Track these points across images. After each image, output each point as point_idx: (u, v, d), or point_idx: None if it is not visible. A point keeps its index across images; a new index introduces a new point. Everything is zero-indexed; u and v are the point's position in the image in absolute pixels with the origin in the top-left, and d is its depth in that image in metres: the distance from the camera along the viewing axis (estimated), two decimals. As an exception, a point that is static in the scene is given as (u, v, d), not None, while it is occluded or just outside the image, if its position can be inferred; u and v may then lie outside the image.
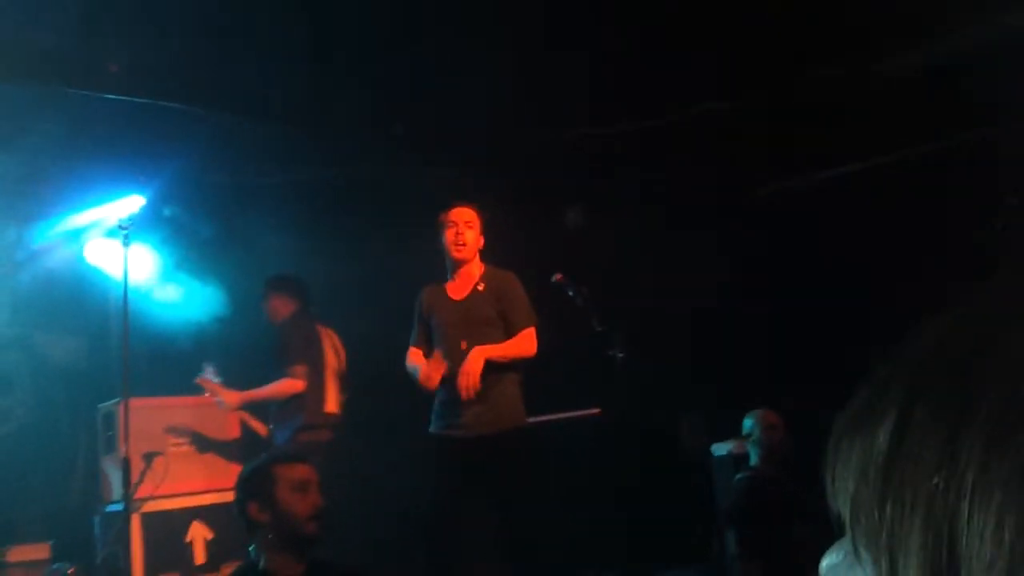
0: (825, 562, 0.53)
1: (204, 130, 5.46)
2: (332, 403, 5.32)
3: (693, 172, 6.16)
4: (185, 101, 5.13)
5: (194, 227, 6.45)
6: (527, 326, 4.36)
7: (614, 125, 5.81)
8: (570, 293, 4.59)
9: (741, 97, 5.53)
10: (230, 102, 5.29)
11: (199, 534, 5.45)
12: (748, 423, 4.64)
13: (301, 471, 2.87)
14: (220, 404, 5.20)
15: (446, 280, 4.50)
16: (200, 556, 5.43)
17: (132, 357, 4.80)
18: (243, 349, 6.19)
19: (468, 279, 4.43)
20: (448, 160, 6.05)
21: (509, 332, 4.34)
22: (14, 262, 6.42)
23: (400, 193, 6.25)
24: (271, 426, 5.26)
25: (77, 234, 6.58)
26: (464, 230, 4.35)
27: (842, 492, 0.51)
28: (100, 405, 5.76)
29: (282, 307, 5.35)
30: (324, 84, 5.13)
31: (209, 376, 5.17)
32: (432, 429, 4.40)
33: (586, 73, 5.25)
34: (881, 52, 5.24)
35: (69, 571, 5.41)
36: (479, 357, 4.15)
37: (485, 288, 4.40)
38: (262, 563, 2.79)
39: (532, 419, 5.87)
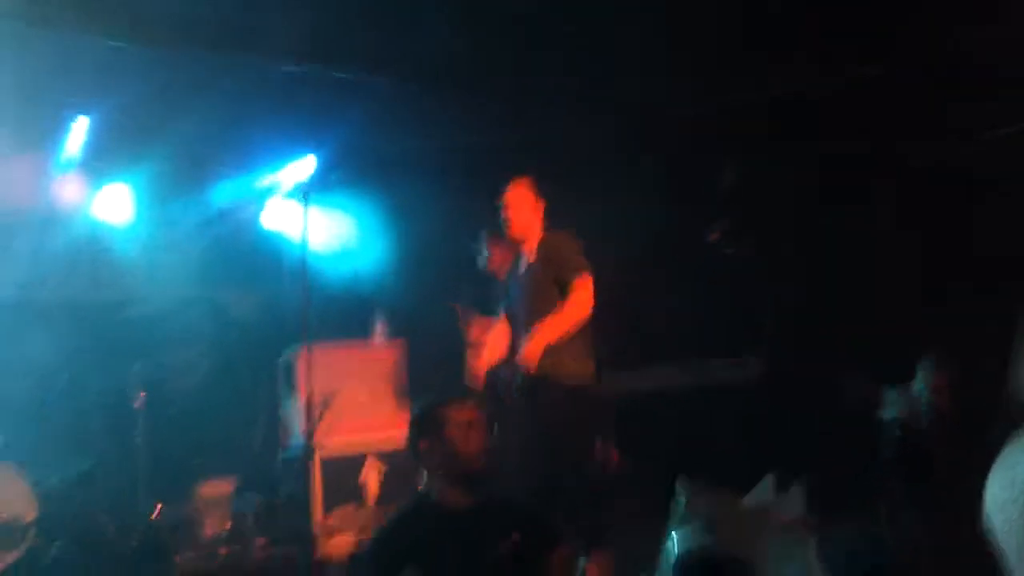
0: None
1: (372, 95, 5.70)
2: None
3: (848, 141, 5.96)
4: (353, 68, 5.36)
5: (363, 189, 6.77)
6: (576, 278, 4.28)
7: (775, 88, 5.69)
8: (727, 250, 4.58)
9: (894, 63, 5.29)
10: (395, 68, 5.49)
11: (372, 474, 5.81)
12: (919, 385, 4.54)
13: (468, 412, 3.04)
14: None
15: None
16: (373, 495, 5.79)
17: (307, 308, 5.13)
18: (409, 298, 6.50)
19: (527, 254, 4.51)
20: (603, 119, 6.09)
21: (563, 293, 4.33)
22: (197, 224, 6.93)
23: (560, 153, 6.37)
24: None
25: (254, 197, 7.05)
26: (510, 213, 4.47)
27: None
28: (282, 354, 6.18)
29: (502, 258, 5.51)
30: (488, 47, 5.24)
31: (464, 307, 5.50)
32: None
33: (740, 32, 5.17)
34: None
35: (255, 503, 5.90)
36: (535, 350, 4.21)
37: (536, 259, 4.45)
38: (433, 497, 3.00)
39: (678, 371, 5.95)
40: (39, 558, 5.08)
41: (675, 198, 5.98)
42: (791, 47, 5.24)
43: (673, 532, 3.91)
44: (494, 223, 5.54)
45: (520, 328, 4.37)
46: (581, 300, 4.26)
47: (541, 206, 4.47)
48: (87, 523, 5.35)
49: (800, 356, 4.90)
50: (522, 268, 4.49)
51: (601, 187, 6.24)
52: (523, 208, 4.43)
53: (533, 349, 4.20)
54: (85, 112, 5.73)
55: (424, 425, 3.04)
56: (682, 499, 4.06)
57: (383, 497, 5.79)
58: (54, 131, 5.85)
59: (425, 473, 3.05)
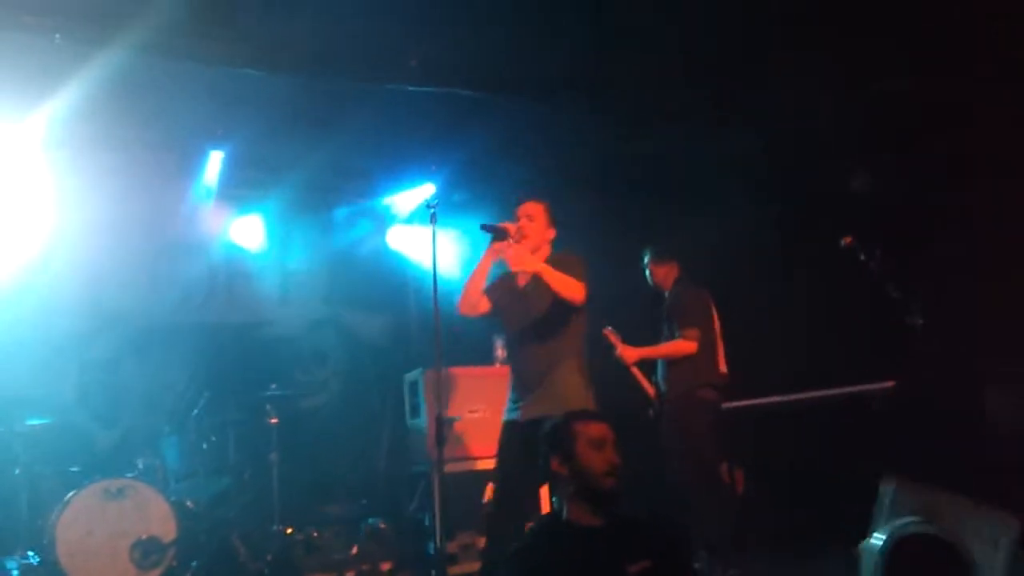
0: None
1: (490, 115, 5.76)
2: (723, 364, 5.47)
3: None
4: (472, 88, 5.43)
5: (483, 207, 6.82)
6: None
7: (909, 81, 5.47)
8: (862, 257, 4.41)
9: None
10: (517, 86, 5.53)
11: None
12: None
13: (598, 429, 2.99)
14: (619, 358, 5.45)
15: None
16: (496, 517, 5.77)
17: (432, 331, 5.18)
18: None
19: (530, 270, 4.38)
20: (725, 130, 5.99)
21: (562, 312, 4.29)
22: (326, 249, 7.13)
23: (688, 164, 6.28)
24: (662, 386, 5.48)
25: (380, 221, 7.22)
26: (525, 224, 4.41)
27: None
28: (406, 374, 6.26)
29: (668, 273, 5.58)
30: (610, 61, 5.22)
31: (613, 331, 5.48)
32: (504, 419, 4.44)
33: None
34: None
35: (380, 525, 5.96)
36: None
37: (543, 276, 4.31)
38: (564, 514, 2.95)
39: (816, 393, 5.71)
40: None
41: (806, 207, 5.80)
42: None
43: (881, 527, 3.85)
44: (662, 245, 5.57)
45: (516, 337, 4.40)
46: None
47: (552, 225, 4.50)
48: (222, 543, 5.50)
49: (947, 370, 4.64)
50: (523, 282, 4.45)
51: (728, 199, 6.12)
52: (539, 224, 4.44)
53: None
54: (222, 143, 6.00)
55: (554, 442, 3.01)
56: (887, 495, 3.98)
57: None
58: (193, 162, 6.15)
59: (557, 489, 3.00)
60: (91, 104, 4.81)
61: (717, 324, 5.57)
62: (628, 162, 6.43)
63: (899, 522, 3.86)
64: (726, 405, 5.32)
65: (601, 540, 2.88)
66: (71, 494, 5.11)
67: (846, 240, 4.44)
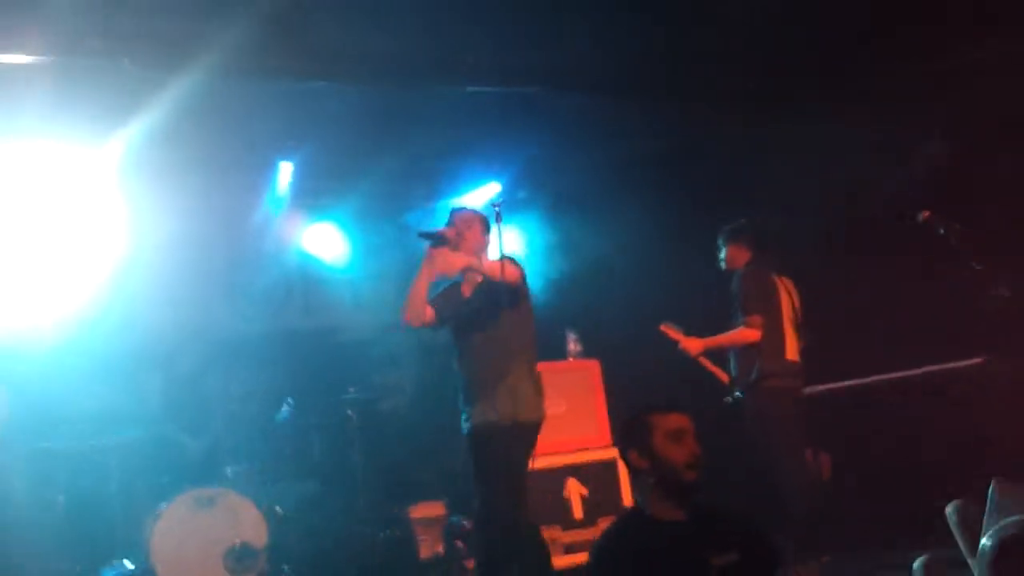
0: None
1: (554, 111, 5.76)
2: (792, 351, 5.32)
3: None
4: (534, 85, 5.43)
5: (548, 204, 6.84)
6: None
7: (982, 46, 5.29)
8: (941, 231, 4.28)
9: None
10: (578, 81, 5.52)
11: (575, 490, 5.80)
12: None
13: (676, 420, 2.94)
14: (682, 351, 5.43)
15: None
16: (577, 511, 5.78)
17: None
18: (601, 315, 6.48)
19: (476, 273, 4.43)
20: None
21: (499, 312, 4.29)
22: (396, 252, 7.20)
23: (746, 153, 6.19)
24: (732, 374, 5.43)
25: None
26: (463, 230, 4.45)
27: None
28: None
29: (738, 256, 5.48)
30: (672, 52, 5.18)
31: (671, 326, 5.46)
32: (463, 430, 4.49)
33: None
34: None
35: (464, 524, 6.02)
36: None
37: (485, 281, 4.38)
38: (646, 507, 2.93)
39: (905, 372, 5.56)
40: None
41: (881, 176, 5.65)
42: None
43: (989, 528, 3.72)
44: (735, 226, 5.50)
45: (466, 347, 4.41)
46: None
47: (486, 234, 4.53)
48: (311, 546, 5.60)
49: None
50: (468, 292, 4.51)
51: (803, 179, 6.01)
52: (475, 231, 4.49)
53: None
54: (292, 154, 6.12)
55: (633, 435, 2.98)
56: (993, 495, 3.84)
57: (587, 518, 5.76)
58: (265, 174, 6.28)
59: (638, 482, 2.98)
60: (162, 126, 4.94)
61: (788, 309, 5.44)
62: (693, 153, 6.35)
63: (1004, 523, 3.70)
64: (809, 390, 5.23)
65: (685, 533, 2.84)
66: (164, 504, 5.28)
67: (924, 215, 4.32)
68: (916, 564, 3.90)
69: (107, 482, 5.66)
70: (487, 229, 4.54)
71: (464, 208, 4.64)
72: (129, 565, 5.42)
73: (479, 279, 4.40)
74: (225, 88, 4.87)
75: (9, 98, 4.75)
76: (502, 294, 4.25)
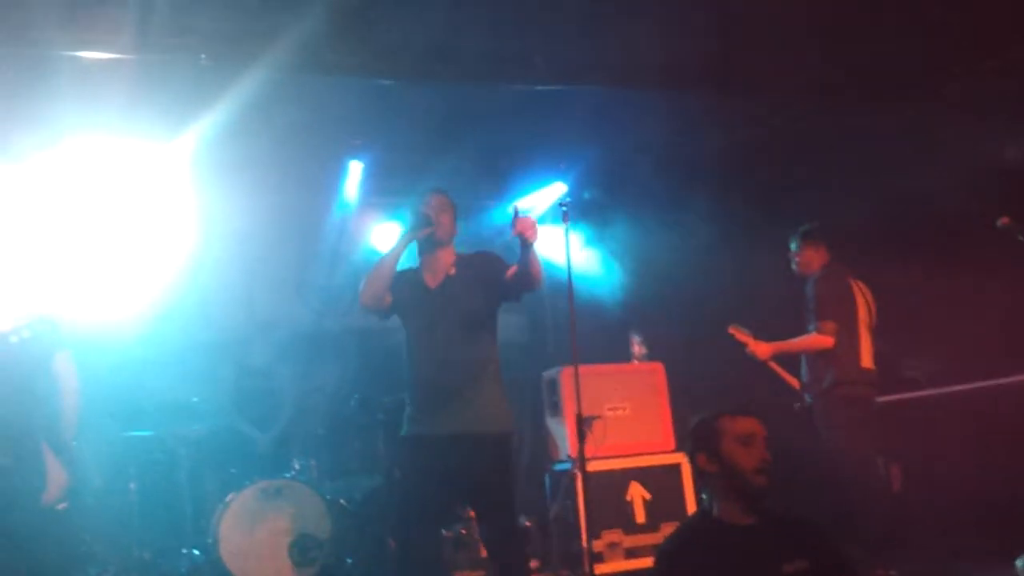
0: None
1: (620, 110, 5.72)
2: (866, 358, 5.21)
3: None
4: (600, 84, 5.40)
5: (614, 205, 6.79)
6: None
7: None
8: (1021, 238, 4.14)
9: None
10: (639, 79, 5.47)
11: (638, 494, 5.75)
12: None
13: (746, 424, 2.89)
14: (751, 355, 5.37)
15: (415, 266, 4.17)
16: (640, 515, 5.73)
17: (567, 328, 5.17)
18: (666, 317, 6.42)
19: (442, 265, 4.07)
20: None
21: (507, 289, 3.99)
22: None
23: (814, 153, 6.08)
24: (805, 380, 5.33)
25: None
26: (444, 217, 4.06)
27: None
28: (544, 373, 6.29)
29: (814, 259, 5.38)
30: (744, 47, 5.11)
31: (739, 328, 5.41)
32: (408, 431, 4.02)
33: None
34: None
35: (526, 524, 6.01)
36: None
37: (468, 270, 4.04)
38: (715, 511, 2.88)
39: (981, 383, 5.39)
40: (333, 575, 5.43)
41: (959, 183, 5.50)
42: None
43: None
44: (810, 229, 5.39)
45: (426, 343, 3.97)
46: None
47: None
48: (375, 539, 5.65)
49: None
50: (434, 282, 4.05)
51: (872, 180, 5.88)
52: (450, 218, 4.12)
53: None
54: (362, 152, 6.19)
55: (701, 439, 2.94)
56: None
57: (649, 522, 5.71)
58: (334, 172, 6.36)
59: (706, 486, 2.94)
60: (235, 122, 5.03)
61: (864, 314, 5.32)
62: (760, 152, 6.25)
63: None
64: (882, 399, 5.10)
65: (754, 539, 2.80)
66: (232, 495, 5.37)
67: (1003, 220, 4.18)
68: (1019, 562, 3.79)
69: (177, 472, 5.78)
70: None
71: (436, 190, 4.19)
72: (198, 554, 5.53)
73: (452, 271, 4.03)
74: (297, 85, 4.95)
75: (89, 95, 4.87)
76: (511, 289, 3.99)
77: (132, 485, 5.59)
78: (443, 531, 5.78)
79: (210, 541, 5.32)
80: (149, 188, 5.69)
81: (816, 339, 5.12)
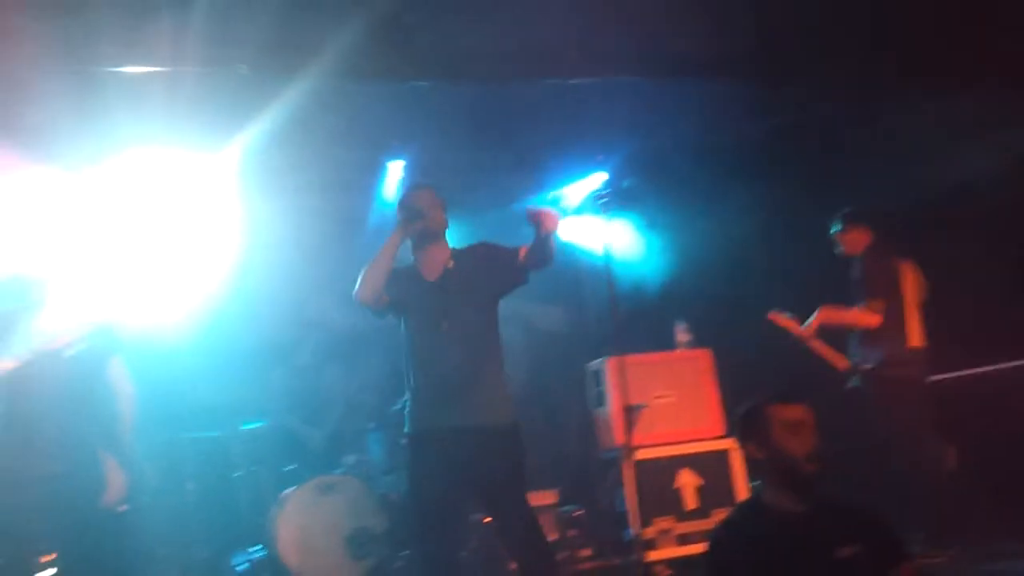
0: None
1: (655, 100, 5.72)
2: (915, 337, 5.20)
3: None
4: (637, 74, 5.40)
5: (654, 193, 6.78)
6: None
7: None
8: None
9: None
10: (674, 68, 5.46)
11: (688, 481, 5.76)
12: None
13: (794, 411, 2.89)
14: (797, 339, 5.38)
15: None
16: (691, 502, 5.74)
17: (609, 320, 5.19)
18: (711, 304, 6.41)
19: (438, 259, 4.03)
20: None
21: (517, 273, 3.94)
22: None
23: (855, 136, 6.02)
24: (853, 360, 5.34)
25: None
26: (433, 212, 4.00)
27: None
28: (588, 364, 6.32)
29: (859, 240, 5.38)
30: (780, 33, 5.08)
31: (780, 314, 5.41)
32: (413, 428, 3.93)
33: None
34: None
35: (576, 513, 6.05)
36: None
37: (456, 266, 4.00)
38: (766, 498, 2.90)
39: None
40: (388, 568, 5.52)
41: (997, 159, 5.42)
42: None
43: None
44: (855, 210, 5.34)
45: (428, 339, 3.90)
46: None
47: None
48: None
49: None
50: (432, 276, 4.01)
51: (912, 163, 5.81)
52: (441, 211, 4.08)
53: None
54: (403, 152, 6.26)
55: (749, 426, 2.96)
56: None
57: (700, 509, 5.72)
58: (377, 173, 6.44)
59: (756, 473, 2.96)
60: (278, 129, 5.12)
61: (912, 293, 5.27)
62: (799, 137, 6.20)
63: None
64: (935, 378, 5.06)
65: (806, 526, 2.81)
66: (288, 491, 5.48)
67: None
68: None
69: (233, 471, 5.90)
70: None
71: (424, 185, 4.16)
72: (256, 551, 5.65)
73: (451, 264, 4.01)
74: (336, 92, 5.02)
75: (134, 108, 4.99)
76: (520, 272, 3.97)
77: (190, 485, 5.72)
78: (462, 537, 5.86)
79: (268, 538, 5.43)
80: (197, 197, 5.81)
81: (863, 316, 5.11)
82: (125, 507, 4.39)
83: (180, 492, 5.72)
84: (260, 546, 5.62)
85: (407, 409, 3.95)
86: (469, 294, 3.92)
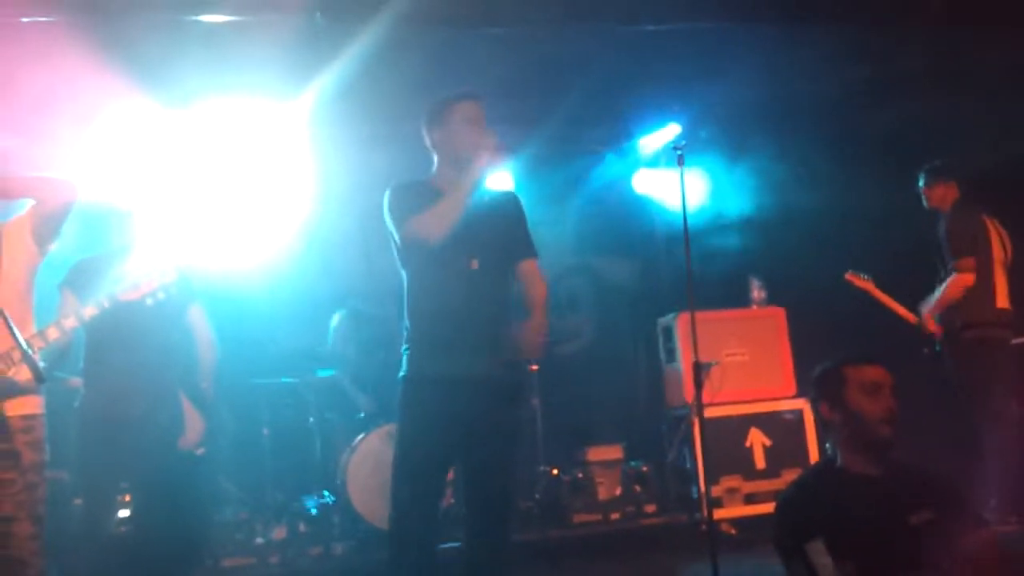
0: None
1: (733, 49, 5.54)
2: (1002, 298, 5.04)
3: None
4: (712, 19, 5.24)
5: (731, 145, 6.62)
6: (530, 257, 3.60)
7: None
8: None
9: None
10: (753, 15, 5.28)
11: (758, 440, 5.70)
12: None
13: (873, 373, 2.81)
14: (874, 300, 5.29)
15: (430, 180, 3.61)
16: (760, 461, 5.68)
17: (683, 273, 5.09)
18: (787, 261, 6.27)
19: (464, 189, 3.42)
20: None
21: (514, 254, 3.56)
22: (574, 197, 7.21)
23: (937, 89, 5.76)
24: (935, 318, 5.16)
25: (625, 165, 7.19)
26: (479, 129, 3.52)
27: None
28: (659, 319, 6.25)
29: (946, 195, 5.20)
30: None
31: (857, 275, 5.31)
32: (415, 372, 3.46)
33: None
34: None
35: (643, 469, 6.04)
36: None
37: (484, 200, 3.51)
38: (839, 461, 2.84)
39: None
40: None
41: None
42: None
43: None
44: (941, 164, 5.13)
45: (449, 274, 3.41)
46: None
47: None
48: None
49: None
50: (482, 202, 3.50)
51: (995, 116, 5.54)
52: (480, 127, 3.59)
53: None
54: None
55: (825, 387, 2.88)
56: None
57: (769, 468, 5.66)
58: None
59: (830, 435, 2.89)
60: (351, 77, 5.12)
61: (999, 252, 5.07)
62: (881, 90, 5.95)
63: None
64: (1019, 339, 4.88)
65: (879, 490, 2.74)
66: (359, 438, 5.58)
67: None
68: None
69: (306, 417, 6.02)
70: None
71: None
72: (327, 494, 5.79)
73: (486, 199, 3.54)
74: (409, 39, 4.98)
75: (209, 57, 5.04)
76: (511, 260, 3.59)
77: (265, 431, 5.86)
78: (563, 474, 5.88)
79: (338, 482, 5.55)
80: (272, 145, 5.87)
81: (958, 280, 4.95)
82: (202, 450, 4.53)
83: (256, 437, 5.86)
84: (331, 490, 5.74)
85: (409, 349, 3.50)
86: (493, 231, 3.50)
